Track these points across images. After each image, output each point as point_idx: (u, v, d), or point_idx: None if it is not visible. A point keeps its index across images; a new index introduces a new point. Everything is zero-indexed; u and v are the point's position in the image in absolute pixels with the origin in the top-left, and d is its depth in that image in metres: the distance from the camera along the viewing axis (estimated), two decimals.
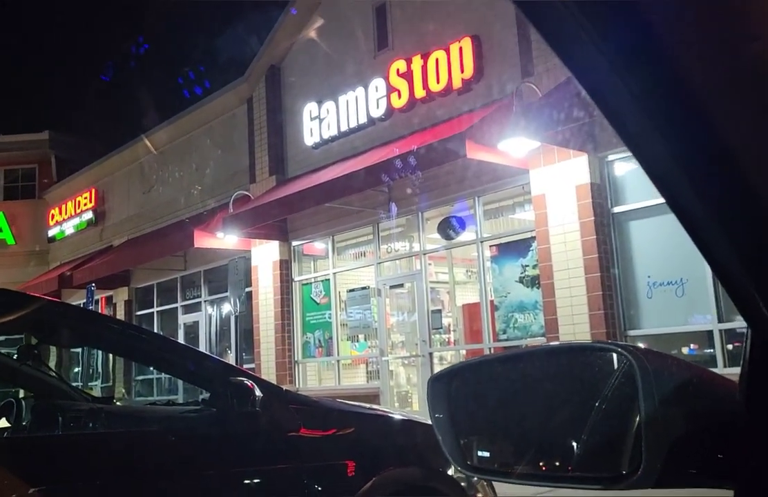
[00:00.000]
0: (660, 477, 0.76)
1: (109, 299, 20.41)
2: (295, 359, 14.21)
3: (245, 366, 13.43)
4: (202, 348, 16.08)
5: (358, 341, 13.49)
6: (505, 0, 9.61)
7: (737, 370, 0.78)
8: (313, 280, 14.25)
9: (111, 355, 17.88)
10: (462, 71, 11.14)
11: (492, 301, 10.99)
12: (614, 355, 0.85)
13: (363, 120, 12.67)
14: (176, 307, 18.13)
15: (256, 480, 2.69)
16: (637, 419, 0.77)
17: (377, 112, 12.40)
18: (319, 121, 13.59)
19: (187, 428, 2.81)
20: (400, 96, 11.97)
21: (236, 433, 2.61)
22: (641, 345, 8.93)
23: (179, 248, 16.14)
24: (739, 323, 8.26)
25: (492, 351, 10.66)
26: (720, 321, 8.54)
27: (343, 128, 13.07)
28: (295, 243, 14.48)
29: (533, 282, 10.33)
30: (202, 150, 17.15)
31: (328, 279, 13.82)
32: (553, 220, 9.85)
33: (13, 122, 25.28)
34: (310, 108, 13.77)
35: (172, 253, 16.61)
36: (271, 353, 14.35)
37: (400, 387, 12.77)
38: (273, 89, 15.00)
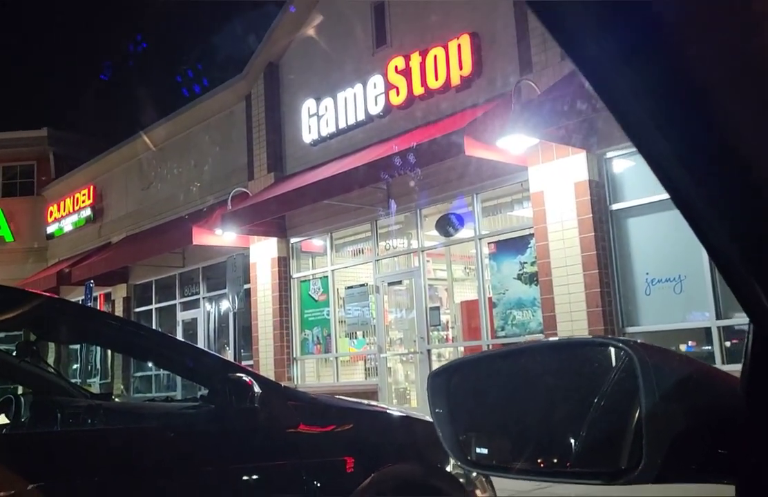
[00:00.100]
0: (660, 473, 0.76)
1: (107, 296, 20.39)
2: (294, 356, 14.22)
3: (243, 363, 13.42)
4: (201, 345, 16.08)
5: (356, 338, 13.49)
6: None
7: (736, 367, 0.78)
8: (311, 277, 14.25)
9: (109, 352, 17.88)
10: (461, 68, 11.13)
11: (490, 298, 10.99)
12: (614, 350, 0.85)
13: (361, 117, 12.66)
14: (175, 304, 18.12)
15: (254, 477, 2.69)
16: (638, 414, 0.77)
17: (375, 109, 12.39)
18: (317, 118, 13.58)
19: (186, 424, 2.81)
20: (398, 93, 11.96)
21: (235, 430, 2.61)
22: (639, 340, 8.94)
23: (178, 245, 16.13)
24: (737, 320, 8.28)
25: (490, 348, 10.66)
26: (718, 318, 8.55)
27: (342, 125, 13.06)
28: (293, 240, 14.47)
29: (531, 279, 10.34)
30: (201, 147, 17.13)
31: (327, 276, 13.82)
32: (551, 216, 9.86)
33: (11, 119, 25.23)
34: (308, 105, 13.76)
35: (171, 250, 16.59)
36: (269, 350, 14.35)
37: (398, 384, 12.78)
38: (271, 86, 14.99)
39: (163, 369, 14.28)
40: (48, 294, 3.16)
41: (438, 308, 12.32)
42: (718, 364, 8.40)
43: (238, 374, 2.66)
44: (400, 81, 11.92)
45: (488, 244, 11.17)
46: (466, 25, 11.13)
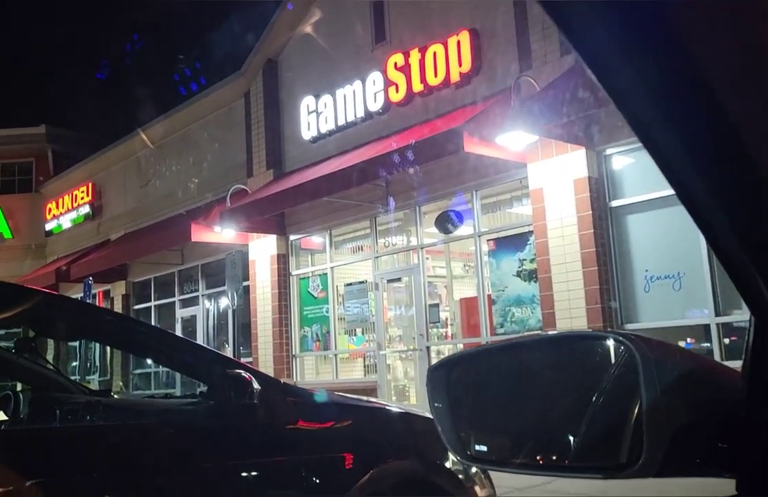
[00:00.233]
0: (661, 467, 0.76)
1: (106, 293, 20.39)
2: (293, 353, 14.22)
3: (243, 360, 13.43)
4: (200, 342, 16.08)
5: (355, 335, 13.49)
6: None
7: (735, 364, 0.77)
8: (310, 274, 14.25)
9: (109, 348, 17.87)
10: (460, 65, 11.12)
11: (489, 295, 10.99)
12: (615, 344, 0.85)
13: (360, 114, 12.65)
14: (174, 301, 18.12)
15: (254, 473, 2.69)
16: (638, 408, 0.77)
17: (375, 106, 12.38)
18: (316, 115, 13.57)
19: (185, 421, 2.81)
20: (397, 90, 11.95)
21: (234, 426, 2.61)
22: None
23: (176, 242, 16.13)
24: (736, 317, 8.29)
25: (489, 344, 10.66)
26: (717, 315, 8.56)
27: (341, 122, 13.05)
28: (292, 237, 14.47)
29: (531, 276, 10.34)
30: (200, 144, 17.11)
31: (326, 274, 13.82)
32: (550, 214, 9.85)
33: (10, 116, 25.19)
34: (307, 102, 13.74)
35: (170, 247, 16.59)
36: (268, 347, 14.35)
37: (397, 381, 12.78)
38: (270, 83, 14.97)
39: (162, 366, 14.28)
40: (46, 290, 3.15)
41: (437, 305, 12.32)
42: (717, 360, 8.39)
43: (237, 370, 2.66)
44: (399, 78, 11.91)
45: (487, 241, 11.17)
46: (466, 22, 11.12)
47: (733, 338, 8.49)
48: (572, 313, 9.54)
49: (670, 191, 0.65)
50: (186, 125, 17.60)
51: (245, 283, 13.94)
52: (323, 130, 13.43)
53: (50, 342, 16.18)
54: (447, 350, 12.05)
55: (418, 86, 11.65)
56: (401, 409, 3.63)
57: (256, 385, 2.59)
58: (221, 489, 2.54)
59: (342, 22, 13.42)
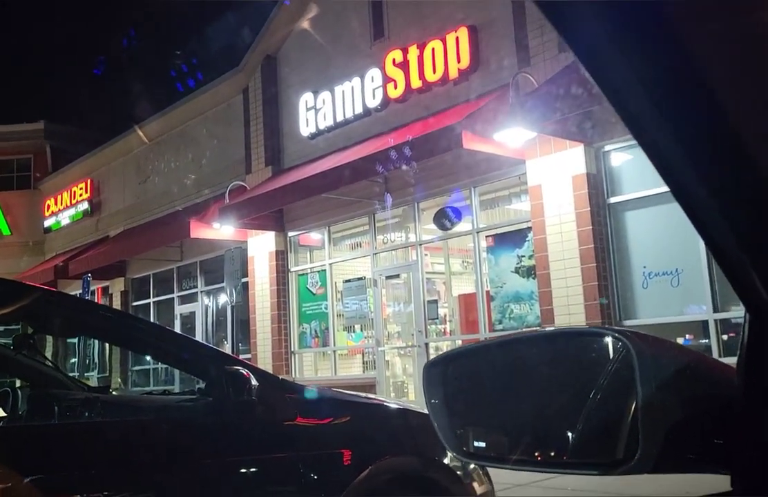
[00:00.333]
0: (657, 463, 0.76)
1: (105, 289, 20.39)
2: (292, 349, 14.22)
3: (241, 356, 13.44)
4: (199, 338, 16.08)
5: (354, 331, 13.50)
6: None
7: (733, 360, 0.77)
8: (309, 271, 14.25)
9: (107, 345, 17.87)
10: (458, 61, 11.11)
11: (488, 292, 11.00)
12: (611, 340, 0.85)
13: (359, 110, 12.64)
14: (172, 298, 18.12)
15: (252, 470, 2.69)
16: (634, 404, 0.77)
17: (373, 103, 12.37)
18: (315, 112, 13.56)
19: (183, 417, 2.81)
20: (396, 86, 11.94)
21: (232, 422, 2.61)
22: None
23: (175, 238, 16.12)
24: (734, 313, 8.30)
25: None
26: (715, 311, 8.57)
27: (339, 118, 13.04)
28: (291, 233, 14.47)
29: (529, 272, 10.34)
30: (198, 140, 17.09)
31: (325, 270, 13.82)
32: (549, 210, 9.86)
33: (8, 112, 25.16)
34: (306, 98, 13.73)
35: (168, 244, 16.59)
36: (267, 343, 14.35)
37: (396, 378, 12.79)
38: (269, 79, 14.96)
39: (160, 362, 14.28)
40: (44, 287, 3.15)
41: (436, 301, 12.33)
42: (715, 357, 8.42)
43: (236, 367, 2.66)
44: (397, 74, 11.90)
45: (486, 237, 11.17)
46: (464, 18, 11.11)
47: (731, 334, 8.50)
48: (570, 310, 9.55)
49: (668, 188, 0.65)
50: (184, 121, 17.59)
51: (244, 280, 13.94)
52: (322, 127, 13.42)
53: (49, 339, 16.18)
54: (445, 346, 12.06)
55: (416, 83, 11.64)
56: (399, 405, 3.64)
57: (254, 382, 2.59)
58: (219, 486, 2.55)
59: (340, 19, 13.40)
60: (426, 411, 1.05)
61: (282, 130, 14.74)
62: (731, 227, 0.63)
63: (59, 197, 22.76)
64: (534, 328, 10.07)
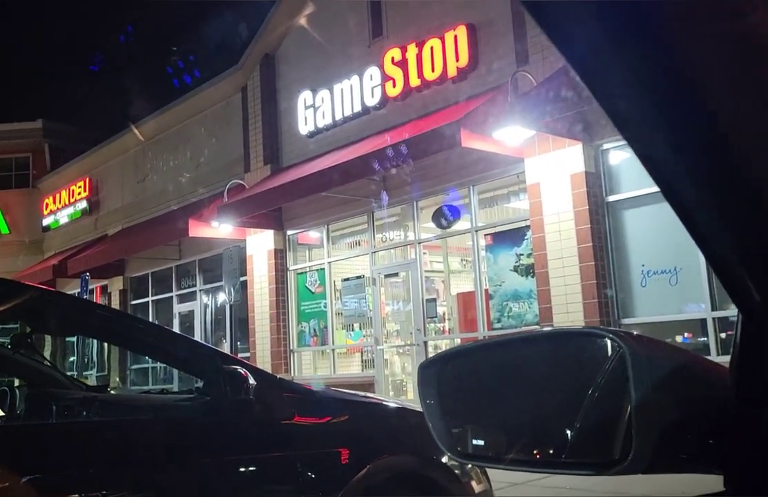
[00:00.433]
0: (651, 463, 0.76)
1: (103, 288, 20.38)
2: (290, 348, 14.22)
3: (240, 355, 13.44)
4: (198, 337, 16.08)
5: (353, 330, 13.50)
6: None
7: (730, 358, 0.77)
8: (308, 269, 14.25)
9: (105, 344, 17.87)
10: (457, 59, 11.11)
11: (487, 290, 11.00)
12: (606, 341, 0.85)
13: (358, 109, 12.64)
14: (171, 297, 18.12)
15: (249, 469, 2.69)
16: (628, 405, 0.77)
17: (372, 101, 12.37)
18: (313, 110, 13.55)
19: (181, 416, 2.81)
20: (394, 84, 11.94)
21: (230, 421, 2.61)
22: (635, 331, 8.96)
23: (174, 237, 16.12)
24: (732, 311, 8.29)
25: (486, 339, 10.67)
26: (714, 309, 8.58)
27: (338, 117, 13.04)
28: (289, 232, 14.46)
29: (528, 271, 10.35)
30: (197, 139, 17.09)
31: (323, 269, 13.82)
32: (547, 208, 9.86)
33: (6, 111, 25.13)
34: (304, 96, 13.73)
35: (167, 242, 16.58)
36: (266, 342, 14.36)
37: (394, 376, 12.80)
38: (267, 78, 14.95)
39: (157, 361, 14.27)
40: (42, 286, 3.15)
41: (434, 300, 12.33)
42: (713, 355, 8.43)
43: (233, 366, 2.66)
44: (396, 72, 11.90)
45: (485, 235, 11.18)
46: (463, 17, 11.11)
47: (729, 332, 8.50)
48: (569, 308, 9.56)
49: None
50: (183, 120, 17.57)
51: (242, 279, 13.93)
52: (320, 125, 13.41)
53: (48, 338, 16.16)
54: (444, 345, 12.06)
55: (415, 81, 11.64)
56: (397, 404, 3.64)
57: (252, 381, 2.59)
58: (217, 485, 2.55)
59: (339, 17, 13.40)
60: None
61: (281, 129, 14.73)
62: (723, 228, 0.63)
63: (58, 196, 22.75)
64: (527, 329, 10.09)
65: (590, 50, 0.56)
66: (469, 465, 3.13)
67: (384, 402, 3.84)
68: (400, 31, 12.12)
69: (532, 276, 10.18)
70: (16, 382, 3.75)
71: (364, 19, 12.88)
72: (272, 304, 14.29)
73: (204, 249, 16.03)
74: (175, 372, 14.33)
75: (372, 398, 3.93)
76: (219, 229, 14.11)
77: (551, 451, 0.90)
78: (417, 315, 11.99)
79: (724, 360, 0.84)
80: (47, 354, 16.02)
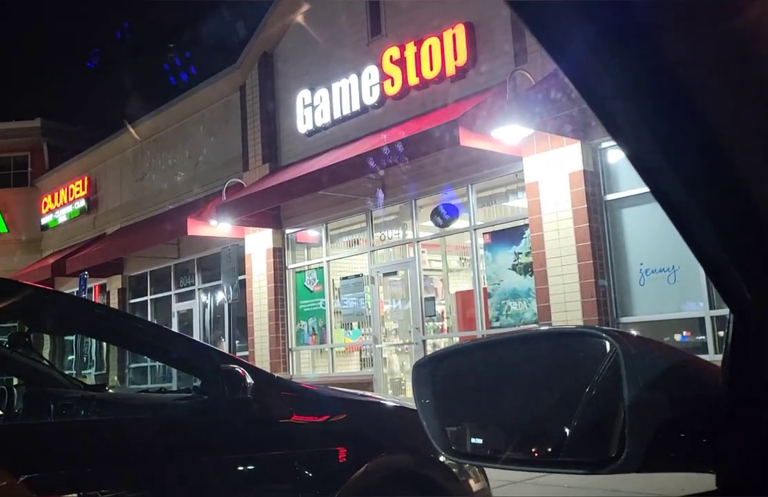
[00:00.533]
0: (644, 462, 0.76)
1: (102, 287, 20.37)
2: (289, 347, 14.23)
3: (239, 354, 13.45)
4: (196, 336, 16.08)
5: (351, 329, 13.50)
6: None
7: None
8: (306, 268, 14.25)
9: (104, 343, 17.86)
10: (455, 58, 11.11)
11: (485, 289, 11.01)
12: (597, 340, 0.85)
13: (356, 107, 12.64)
14: (170, 295, 18.11)
15: (247, 467, 2.69)
16: (621, 404, 0.77)
17: (370, 100, 12.37)
18: (312, 109, 13.54)
19: (178, 415, 2.81)
20: (393, 83, 11.93)
21: (227, 420, 2.61)
22: (634, 331, 8.97)
23: (172, 236, 16.11)
24: None
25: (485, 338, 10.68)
26: (711, 308, 8.59)
27: (336, 116, 13.03)
28: (288, 231, 14.46)
29: (526, 269, 10.35)
30: (195, 137, 17.08)
31: (322, 267, 13.82)
32: (546, 207, 9.86)
33: (5, 110, 25.11)
34: (303, 95, 13.72)
35: (166, 241, 16.57)
36: (264, 341, 14.36)
37: (393, 375, 12.80)
38: (266, 76, 14.94)
39: (155, 360, 14.26)
40: (38, 285, 3.15)
41: (433, 298, 12.34)
42: (711, 353, 8.44)
43: (231, 365, 2.66)
44: (395, 71, 11.90)
45: (483, 234, 11.18)
46: (461, 15, 11.10)
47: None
48: (567, 306, 9.57)
49: None
50: (181, 119, 17.56)
51: (241, 277, 13.93)
52: (319, 124, 13.41)
53: (47, 337, 16.16)
54: (443, 343, 12.07)
55: (413, 80, 11.64)
56: (395, 403, 3.64)
57: (249, 380, 2.59)
58: (214, 484, 2.55)
59: (337, 16, 13.38)
60: None
61: (279, 128, 14.73)
62: (714, 229, 0.64)
63: (56, 194, 22.73)
64: (524, 327, 10.10)
65: (578, 52, 0.56)
66: (468, 464, 3.13)
67: (382, 401, 3.84)
68: (398, 30, 12.12)
69: (531, 275, 10.18)
70: (15, 381, 3.75)
71: (363, 17, 12.88)
72: (271, 303, 14.29)
73: (203, 248, 16.02)
74: (174, 370, 14.33)
75: (370, 397, 3.94)
76: (217, 227, 14.11)
77: (546, 451, 0.90)
78: (415, 314, 11.99)
79: (719, 358, 0.84)
80: (46, 353, 16.03)
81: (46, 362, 3.95)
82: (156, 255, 17.45)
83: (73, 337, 17.73)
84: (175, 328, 16.58)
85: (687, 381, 0.81)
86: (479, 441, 1.01)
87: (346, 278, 13.38)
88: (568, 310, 9.54)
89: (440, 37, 11.27)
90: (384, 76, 12.06)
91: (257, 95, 15.01)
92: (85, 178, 21.38)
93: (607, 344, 0.83)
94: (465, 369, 1.06)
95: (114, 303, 19.45)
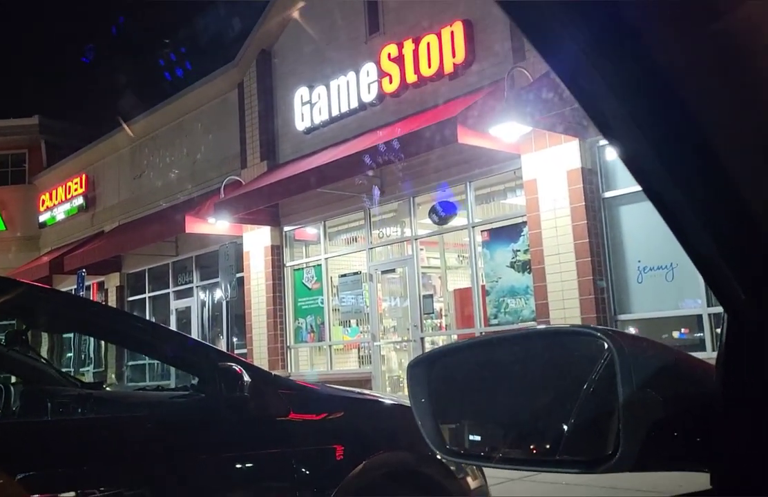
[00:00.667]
0: (638, 461, 0.76)
1: (100, 285, 20.35)
2: (287, 344, 14.22)
3: (237, 351, 13.44)
4: (195, 334, 16.08)
5: (349, 326, 13.50)
6: None
7: None
8: (304, 266, 14.24)
9: (102, 341, 17.84)
10: (453, 56, 11.10)
11: (483, 286, 11.01)
12: (594, 340, 0.85)
13: (354, 105, 12.63)
14: (168, 293, 18.09)
15: (244, 465, 2.69)
16: (615, 403, 0.77)
17: (368, 97, 12.36)
18: (310, 106, 13.53)
19: (175, 413, 2.81)
20: (391, 81, 11.92)
21: (224, 418, 2.61)
22: (631, 329, 8.98)
23: (170, 234, 16.09)
24: None
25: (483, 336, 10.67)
26: (709, 305, 8.59)
27: (335, 113, 13.02)
28: (286, 228, 14.45)
29: (524, 267, 10.35)
30: (193, 135, 17.06)
31: (320, 265, 13.81)
32: (544, 204, 9.86)
33: (2, 107, 25.07)
34: (301, 92, 13.70)
35: (164, 239, 16.56)
36: (263, 338, 14.35)
37: (391, 372, 12.80)
38: (264, 74, 14.93)
39: (152, 359, 14.25)
40: (36, 283, 3.14)
41: (431, 296, 12.33)
42: (709, 351, 8.45)
43: (228, 363, 2.66)
44: (393, 69, 11.89)
45: (481, 232, 11.18)
46: (459, 13, 11.09)
47: None
48: (565, 304, 9.57)
49: None
50: (180, 116, 17.54)
51: (239, 275, 13.92)
52: (317, 121, 13.40)
53: (45, 335, 16.15)
54: (441, 341, 12.07)
55: (411, 77, 11.63)
56: (393, 401, 3.64)
57: (246, 378, 2.58)
58: (211, 482, 2.55)
59: (336, 13, 13.37)
60: None
61: (277, 125, 14.71)
62: (707, 228, 0.63)
63: (54, 192, 22.70)
64: (522, 325, 10.11)
65: (570, 52, 0.56)
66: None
67: (379, 399, 3.84)
68: (396, 27, 12.10)
69: (529, 272, 10.18)
70: (12, 379, 3.75)
71: (361, 15, 12.87)
72: (269, 301, 14.29)
73: (201, 245, 16.01)
74: (173, 369, 14.31)
75: (367, 394, 3.94)
76: (216, 225, 14.09)
77: (542, 449, 0.90)
78: (414, 312, 12.00)
79: (715, 356, 0.84)
80: (44, 351, 16.02)
81: (43, 360, 3.94)
82: (154, 253, 17.44)
83: (70, 335, 17.73)
84: (173, 326, 16.58)
85: (681, 379, 0.81)
86: (475, 440, 1.01)
87: (344, 275, 13.38)
88: (566, 308, 9.55)
89: (438, 35, 11.26)
90: (382, 74, 12.05)
91: (255, 92, 14.99)
92: (83, 176, 21.35)
93: (602, 343, 0.83)
94: (460, 368, 1.06)
95: (112, 300, 19.44)
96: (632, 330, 8.88)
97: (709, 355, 7.80)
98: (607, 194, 9.66)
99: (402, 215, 12.63)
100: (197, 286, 17.05)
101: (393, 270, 12.91)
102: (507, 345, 1.02)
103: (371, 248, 12.95)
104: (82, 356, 19.35)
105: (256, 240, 14.64)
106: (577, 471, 0.83)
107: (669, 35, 0.52)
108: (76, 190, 21.62)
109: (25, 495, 2.14)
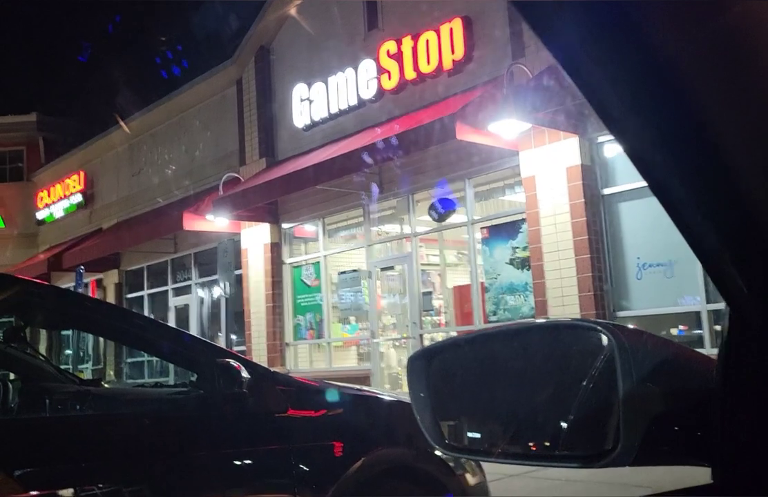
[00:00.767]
0: (638, 455, 0.76)
1: (99, 282, 20.33)
2: (286, 341, 14.22)
3: (236, 349, 13.44)
4: (193, 331, 16.07)
5: (349, 323, 13.50)
6: None
7: None
8: (303, 263, 14.24)
9: (100, 338, 17.83)
10: (452, 52, 11.09)
11: (482, 283, 11.01)
12: (594, 334, 0.85)
13: (353, 101, 12.61)
14: (167, 290, 18.09)
15: (243, 462, 2.69)
16: (615, 398, 0.76)
17: (367, 94, 12.34)
18: (308, 103, 13.52)
19: (174, 410, 2.81)
20: (390, 77, 11.91)
21: (223, 415, 2.61)
22: (630, 325, 8.99)
23: (169, 231, 16.07)
24: None
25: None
26: (708, 302, 8.59)
27: (333, 110, 13.00)
28: (285, 225, 14.44)
29: (523, 264, 10.35)
30: (192, 132, 17.04)
31: (319, 262, 13.81)
32: (543, 201, 9.86)
33: (0, 104, 25.02)
34: (299, 90, 13.69)
35: (162, 236, 16.54)
36: (262, 336, 14.35)
37: (390, 369, 12.81)
38: (262, 70, 14.91)
39: (150, 355, 14.25)
40: (34, 280, 3.14)
41: (430, 293, 12.34)
42: (708, 347, 8.45)
43: (227, 359, 2.65)
44: (391, 65, 11.87)
45: (480, 228, 11.18)
46: (458, 9, 11.08)
47: None
48: (565, 301, 9.57)
49: None
50: (178, 113, 17.52)
51: (238, 272, 13.91)
52: (316, 118, 13.38)
53: (43, 332, 16.13)
54: (440, 338, 12.07)
55: (410, 74, 11.61)
56: (392, 397, 3.63)
57: (245, 374, 2.58)
58: (210, 478, 2.54)
59: (334, 9, 13.34)
60: None
61: (276, 122, 14.70)
62: (711, 224, 0.63)
63: (52, 189, 22.68)
64: (514, 321, 10.11)
65: (578, 48, 0.56)
66: (462, 458, 3.13)
67: (378, 395, 3.84)
68: (395, 24, 12.09)
69: (528, 269, 10.18)
70: (10, 376, 3.74)
71: (359, 11, 12.85)
72: (268, 298, 14.29)
73: (199, 242, 16.00)
74: (171, 365, 14.30)
75: (366, 391, 3.93)
76: (214, 222, 14.08)
77: (542, 444, 0.90)
78: (413, 309, 11.99)
79: (712, 353, 0.84)
80: (43, 348, 16.01)
81: (41, 357, 3.94)
82: (153, 250, 17.43)
83: (68, 332, 17.71)
84: (172, 323, 16.57)
85: (682, 373, 0.80)
86: (475, 435, 1.01)
87: (343, 273, 13.37)
88: (566, 305, 9.55)
89: (437, 31, 11.25)
90: (381, 71, 12.03)
91: (254, 89, 14.98)
92: (82, 173, 21.32)
93: (602, 337, 0.83)
94: (460, 362, 1.05)
95: (110, 297, 19.43)
96: (629, 326, 8.88)
97: (707, 352, 7.81)
98: (607, 191, 9.65)
99: (401, 212, 12.62)
100: (196, 283, 17.04)
101: (392, 268, 12.90)
102: (507, 340, 1.01)
103: (370, 245, 12.95)
104: (81, 353, 19.34)
105: (255, 237, 14.63)
106: (576, 465, 0.83)
107: (676, 30, 0.51)
108: (74, 187, 21.59)
109: (23, 492, 2.14)
